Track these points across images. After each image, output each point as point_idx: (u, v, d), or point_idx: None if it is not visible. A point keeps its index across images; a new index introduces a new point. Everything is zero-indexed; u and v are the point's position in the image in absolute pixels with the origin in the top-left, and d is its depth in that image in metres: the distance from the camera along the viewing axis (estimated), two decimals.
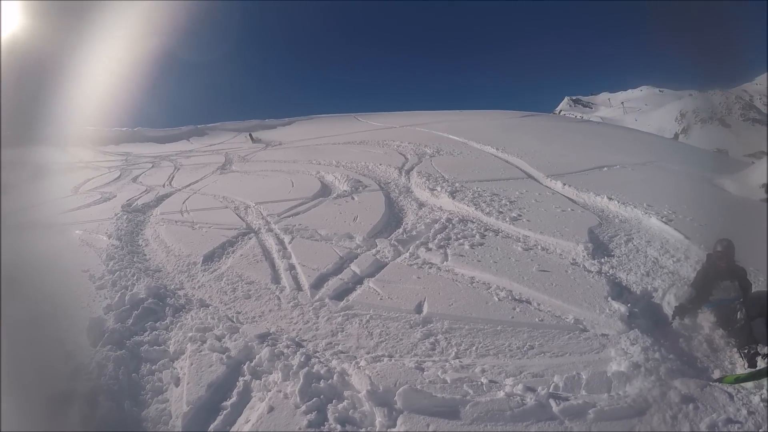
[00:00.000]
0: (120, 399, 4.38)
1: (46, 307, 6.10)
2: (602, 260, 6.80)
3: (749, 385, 4.14)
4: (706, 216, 7.88)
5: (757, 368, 4.35)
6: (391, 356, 4.89)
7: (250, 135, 25.59)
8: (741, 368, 4.53)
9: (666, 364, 4.39)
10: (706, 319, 5.20)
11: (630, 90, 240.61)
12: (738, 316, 4.83)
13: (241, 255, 7.96)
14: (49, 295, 6.43)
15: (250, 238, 8.68)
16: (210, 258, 7.96)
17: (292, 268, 7.25)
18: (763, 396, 3.96)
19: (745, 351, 4.60)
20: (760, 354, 4.50)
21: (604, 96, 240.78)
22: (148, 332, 5.58)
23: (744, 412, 3.78)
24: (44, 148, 20.43)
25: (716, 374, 4.52)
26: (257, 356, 4.91)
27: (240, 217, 10.10)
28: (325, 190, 11.84)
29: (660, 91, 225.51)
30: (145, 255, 8.42)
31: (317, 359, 4.84)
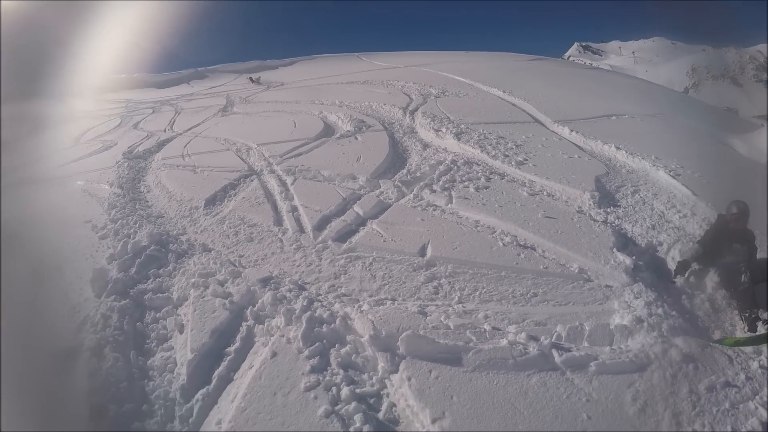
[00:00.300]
0: (126, 350, 4.37)
1: (50, 260, 6.09)
2: (608, 210, 6.64)
3: (748, 349, 4.10)
4: (714, 174, 7.62)
5: (757, 333, 4.31)
6: (394, 300, 4.85)
7: (251, 77, 25.02)
8: (741, 331, 4.49)
9: (668, 320, 4.33)
10: (709, 278, 5.10)
11: (642, 40, 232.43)
12: (742, 279, 4.72)
13: (243, 197, 7.86)
14: (52, 249, 6.40)
15: (252, 180, 8.56)
16: (212, 201, 7.87)
17: (294, 209, 7.16)
18: (761, 362, 3.93)
19: (746, 315, 4.55)
20: (761, 319, 4.45)
21: (614, 44, 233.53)
22: (151, 280, 5.54)
23: (742, 376, 3.75)
24: (43, 101, 20.11)
25: (717, 335, 4.48)
26: (260, 301, 4.88)
27: (242, 159, 9.94)
28: (328, 131, 11.58)
29: (672, 43, 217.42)
30: (147, 202, 8.32)
31: (320, 303, 4.81)
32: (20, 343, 4.54)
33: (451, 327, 4.27)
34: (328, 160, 9.13)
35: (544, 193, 7.23)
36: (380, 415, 3.48)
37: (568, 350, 3.94)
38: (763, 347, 4.07)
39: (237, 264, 5.86)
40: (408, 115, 12.53)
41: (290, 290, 5.06)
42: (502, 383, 3.63)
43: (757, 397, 3.57)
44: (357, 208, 6.92)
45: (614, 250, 5.50)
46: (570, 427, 3.28)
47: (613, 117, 11.18)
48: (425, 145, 9.96)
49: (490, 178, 7.75)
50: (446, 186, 7.47)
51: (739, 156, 9.33)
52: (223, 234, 6.75)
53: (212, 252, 6.20)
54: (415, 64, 22.24)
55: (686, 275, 5.18)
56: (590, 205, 6.74)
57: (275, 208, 7.36)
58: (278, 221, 6.91)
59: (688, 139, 9.79)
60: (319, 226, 6.53)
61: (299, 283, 5.29)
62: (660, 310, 4.46)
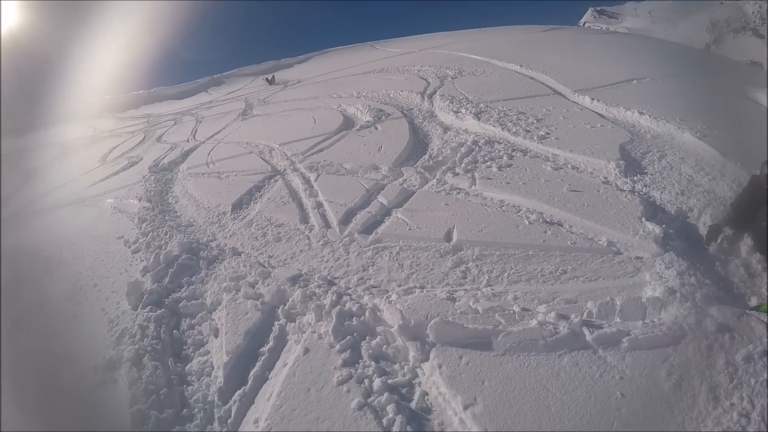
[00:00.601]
0: (164, 357, 4.51)
1: (86, 278, 6.31)
2: (635, 178, 6.46)
3: None
4: (742, 132, 7.30)
5: None
6: (422, 287, 4.84)
7: (267, 78, 25.16)
8: None
9: (702, 289, 4.17)
10: (743, 242, 4.86)
11: None
12: None
13: (269, 198, 7.93)
14: (88, 267, 6.64)
15: (277, 181, 8.63)
16: (238, 205, 7.98)
17: (319, 205, 7.21)
18: None
19: None
20: None
21: (630, 5, 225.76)
22: (184, 288, 5.65)
23: None
24: (65, 126, 20.63)
25: (753, 302, 4.26)
26: (290, 299, 4.94)
27: (265, 161, 10.04)
28: (347, 123, 11.59)
29: None
30: (176, 212, 8.48)
31: (349, 296, 4.84)
32: (63, 359, 4.73)
33: (480, 311, 4.24)
34: (349, 153, 9.14)
35: (569, 166, 7.10)
36: (413, 405, 3.48)
37: (600, 327, 3.85)
38: None
39: (266, 265, 5.93)
40: (426, 99, 12.45)
41: (319, 286, 5.10)
42: (533, 365, 3.58)
43: None
44: (381, 199, 6.93)
45: (643, 219, 5.35)
46: (604, 406, 3.21)
47: (634, 81, 10.85)
48: (446, 128, 9.87)
49: (513, 156, 7.65)
50: (469, 168, 7.41)
51: (766, 110, 8.94)
52: (252, 236, 6.83)
53: (242, 255, 6.29)
54: (429, 47, 21.99)
55: (719, 240, 4.98)
56: (616, 174, 6.58)
57: (300, 205, 7.41)
58: (304, 219, 6.96)
59: (712, 98, 9.44)
60: (345, 220, 6.56)
61: (328, 278, 5.33)
62: (693, 279, 4.31)
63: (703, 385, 3.28)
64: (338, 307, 4.55)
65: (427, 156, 8.39)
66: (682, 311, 3.92)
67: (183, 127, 17.72)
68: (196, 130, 16.24)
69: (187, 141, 14.59)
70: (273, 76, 25.24)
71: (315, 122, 12.24)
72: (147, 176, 10.85)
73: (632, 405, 3.20)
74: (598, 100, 9.70)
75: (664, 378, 3.35)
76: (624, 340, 3.66)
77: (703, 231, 5.17)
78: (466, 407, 3.28)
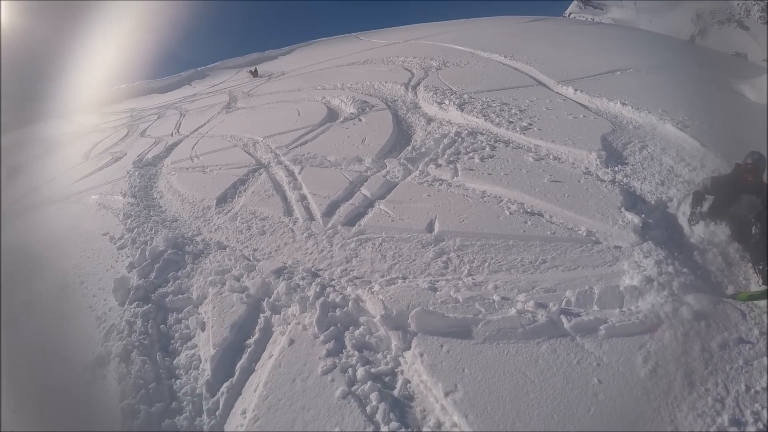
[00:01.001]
0: (152, 352, 4.58)
1: (73, 276, 6.34)
2: (616, 169, 6.57)
3: (762, 303, 4.00)
4: (724, 123, 7.42)
5: None
6: (404, 278, 4.93)
7: (251, 70, 25.03)
8: (756, 285, 4.35)
9: (679, 278, 4.27)
10: (721, 231, 4.96)
11: None
12: (753, 231, 4.59)
13: (253, 192, 7.97)
14: (74, 264, 6.68)
15: (261, 174, 8.66)
16: (223, 199, 8.00)
17: (303, 198, 7.25)
18: None
19: (760, 267, 4.39)
20: None
21: None
22: (171, 283, 5.71)
23: (756, 332, 3.72)
24: (49, 123, 20.45)
25: (730, 290, 4.37)
26: (275, 291, 5.02)
27: (249, 154, 10.04)
28: (331, 115, 11.62)
29: None
30: (161, 207, 8.48)
31: (332, 288, 4.93)
32: (52, 357, 4.77)
33: (461, 300, 4.34)
34: (333, 145, 9.18)
35: (550, 156, 7.21)
36: (395, 392, 3.59)
37: (577, 315, 3.96)
38: None
39: (251, 258, 6.00)
40: (410, 90, 12.50)
41: (303, 278, 5.18)
42: (513, 353, 3.69)
43: None
44: (364, 191, 6.99)
45: (622, 209, 5.46)
46: (581, 392, 3.32)
47: (618, 72, 10.96)
48: (429, 120, 9.92)
49: (495, 147, 7.73)
50: (451, 159, 7.49)
51: (749, 102, 9.08)
52: (237, 230, 6.88)
53: (227, 249, 6.34)
54: (414, 38, 22.03)
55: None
56: (597, 165, 6.69)
57: (285, 198, 7.46)
58: (288, 211, 7.01)
59: (695, 89, 9.55)
60: (329, 212, 6.62)
61: (312, 270, 5.40)
62: (670, 268, 4.41)
63: (679, 371, 3.39)
64: (322, 298, 4.64)
65: (410, 147, 8.45)
66: (659, 299, 4.03)
67: (167, 121, 17.62)
68: (180, 123, 16.18)
69: (171, 135, 14.52)
70: (256, 68, 25.12)
71: (299, 114, 12.24)
72: (131, 171, 10.81)
73: (609, 390, 3.32)
74: (582, 91, 9.80)
75: (641, 364, 3.47)
76: (601, 327, 3.77)
77: (683, 220, 5.29)
78: (447, 394, 3.39)
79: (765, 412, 3.12)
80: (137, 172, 10.68)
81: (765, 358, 3.46)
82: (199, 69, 31.58)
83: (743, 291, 4.27)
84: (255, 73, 24.29)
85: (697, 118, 7.62)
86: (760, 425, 3.05)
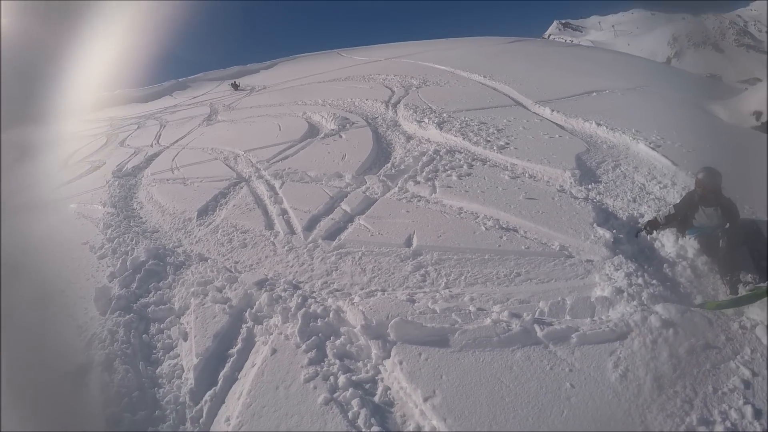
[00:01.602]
0: (134, 361, 4.63)
1: (53, 284, 6.31)
2: (589, 186, 6.85)
3: (729, 311, 4.21)
4: (696, 142, 7.76)
5: (738, 295, 4.39)
6: (384, 290, 5.08)
7: (232, 84, 25.11)
8: (724, 295, 4.56)
9: (648, 289, 4.50)
10: (690, 245, 5.21)
11: (621, 13, 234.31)
12: (720, 244, 4.81)
13: (234, 205, 8.05)
14: (54, 273, 6.64)
15: (242, 187, 8.74)
16: (204, 212, 8.06)
17: (284, 212, 7.37)
18: (742, 323, 4.06)
19: (728, 278, 4.62)
20: (741, 281, 4.54)
21: (594, 19, 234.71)
22: (152, 293, 5.77)
23: (722, 337, 3.91)
24: (25, 128, 20.14)
25: (698, 300, 4.58)
26: (257, 302, 5.12)
27: (230, 168, 10.12)
28: (312, 131, 11.76)
29: (651, 14, 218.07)
30: (141, 218, 8.51)
31: (313, 299, 5.05)
32: (32, 365, 4.77)
33: (438, 311, 4.50)
34: (314, 161, 9.33)
35: (526, 175, 7.46)
36: (376, 399, 3.72)
37: (550, 324, 4.15)
38: (744, 309, 4.21)
39: (233, 270, 6.08)
40: (390, 108, 12.74)
41: (285, 290, 5.29)
42: (488, 360, 3.87)
43: (738, 356, 3.72)
44: (344, 206, 7.13)
45: (594, 225, 5.70)
46: (554, 396, 3.50)
47: (594, 93, 11.38)
48: (409, 137, 10.14)
49: (473, 165, 7.97)
50: (430, 176, 7.69)
51: (721, 122, 9.47)
52: (218, 242, 6.95)
53: (209, 261, 6.42)
54: (395, 56, 22.41)
55: (652, 233, 5.43)
56: (571, 183, 6.96)
57: (266, 212, 7.56)
58: (269, 225, 7.12)
59: (668, 109, 9.95)
60: (309, 227, 6.75)
61: (293, 282, 5.51)
62: (640, 280, 4.65)
63: (648, 375, 3.58)
64: (303, 309, 4.77)
65: (389, 164, 8.64)
66: (628, 309, 4.26)
67: (147, 131, 17.61)
68: (160, 134, 16.19)
69: (151, 146, 14.53)
70: (237, 81, 25.20)
71: (280, 129, 12.39)
72: (111, 181, 10.81)
73: (581, 394, 3.51)
74: (558, 111, 10.15)
75: (611, 369, 3.66)
76: (573, 335, 3.97)
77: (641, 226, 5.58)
78: (425, 399, 3.55)
79: (732, 411, 3.31)
80: (117, 182, 10.67)
81: (732, 362, 3.67)
82: (180, 80, 31.54)
83: (711, 300, 4.50)
84: (236, 86, 24.35)
85: (670, 138, 7.97)
86: (728, 424, 3.23)
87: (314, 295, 5.17)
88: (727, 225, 4.91)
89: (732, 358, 3.72)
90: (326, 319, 4.61)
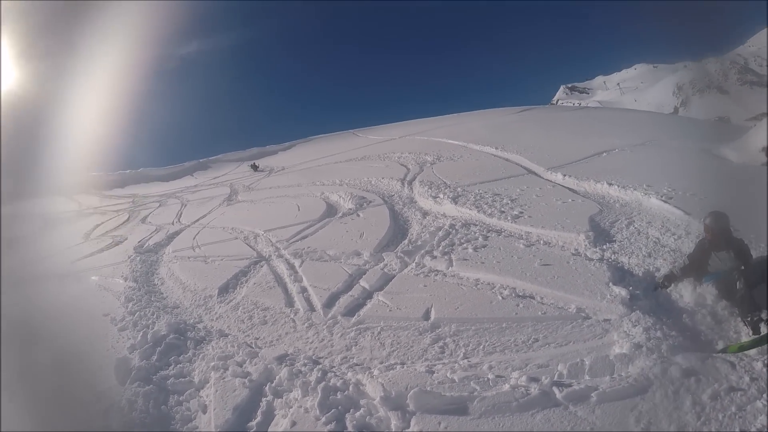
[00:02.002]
0: (152, 430, 4.64)
1: (72, 352, 6.40)
2: (604, 247, 6.95)
3: (752, 352, 4.18)
4: (707, 189, 7.92)
5: (761, 335, 4.37)
6: (403, 363, 5.11)
7: (252, 165, 25.81)
8: (746, 336, 4.53)
9: (668, 341, 4.51)
10: (708, 292, 5.23)
11: (624, 70, 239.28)
12: (738, 286, 4.82)
13: (255, 283, 8.20)
14: (74, 341, 6.74)
15: (262, 266, 8.91)
16: (225, 289, 8.20)
17: (304, 290, 7.49)
18: (765, 361, 4.00)
19: (749, 319, 4.60)
20: (763, 320, 4.51)
21: (599, 79, 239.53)
22: (172, 366, 5.83)
23: (747, 378, 3.85)
24: (50, 199, 20.75)
25: (720, 345, 4.57)
26: (277, 377, 5.17)
27: (250, 247, 10.33)
28: (330, 210, 12.02)
29: (654, 66, 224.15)
30: (162, 293, 8.67)
31: (333, 373, 5.08)
32: (51, 428, 4.79)
33: (456, 380, 4.52)
34: (332, 240, 9.52)
35: (540, 242, 7.60)
36: None
37: (569, 385, 4.14)
38: (767, 346, 4.15)
39: (253, 345, 6.16)
40: (406, 185, 13.03)
41: (305, 365, 5.34)
42: (508, 425, 3.86)
43: (764, 395, 3.64)
44: (363, 283, 7.26)
45: (610, 284, 5.77)
46: None
47: (604, 154, 11.71)
48: (425, 213, 10.36)
49: (488, 237, 8.13)
50: (446, 250, 7.83)
51: (731, 164, 9.59)
52: (238, 319, 7.06)
53: (229, 336, 6.50)
54: (409, 133, 23.04)
55: (669, 286, 5.49)
56: (585, 245, 7.07)
57: (286, 290, 7.68)
58: (289, 302, 7.23)
59: (678, 160, 10.18)
60: (329, 304, 6.84)
61: (313, 357, 5.57)
62: (659, 333, 4.66)
63: (672, 426, 3.53)
64: (323, 383, 4.80)
65: (406, 241, 8.80)
66: (648, 362, 4.22)
67: (168, 209, 18.06)
68: (182, 213, 16.59)
69: (173, 224, 14.89)
70: (257, 162, 25.90)
71: (299, 209, 12.66)
72: (132, 256, 11.04)
73: None
74: (570, 176, 10.41)
75: (633, 424, 3.62)
76: (593, 394, 3.95)
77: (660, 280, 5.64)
78: None
79: None
80: (138, 258, 10.90)
81: (758, 402, 3.58)
82: (201, 160, 32.30)
83: (733, 344, 4.45)
84: (256, 168, 25.03)
85: (680, 189, 8.13)
86: None
87: (334, 369, 5.21)
88: (742, 266, 4.95)
89: (758, 398, 3.64)
90: (346, 392, 4.63)
